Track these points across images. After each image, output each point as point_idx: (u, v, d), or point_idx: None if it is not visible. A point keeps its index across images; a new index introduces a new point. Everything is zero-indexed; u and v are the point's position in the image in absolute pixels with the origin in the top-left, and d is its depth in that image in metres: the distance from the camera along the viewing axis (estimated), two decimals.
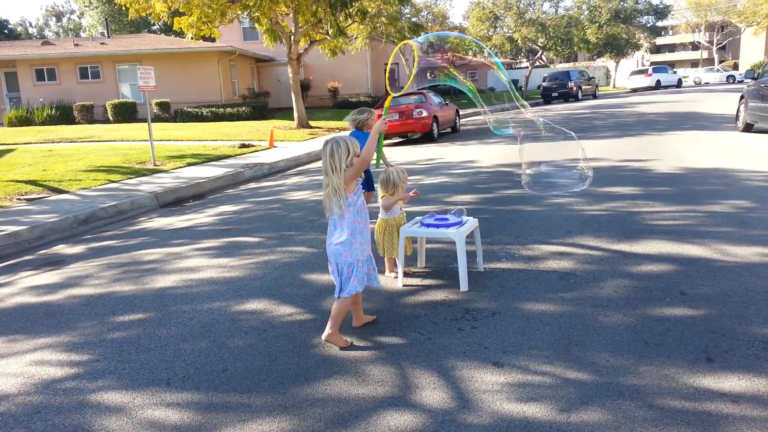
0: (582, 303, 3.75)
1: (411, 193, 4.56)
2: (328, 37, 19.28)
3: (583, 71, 35.70)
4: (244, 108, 23.94)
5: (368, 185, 5.74)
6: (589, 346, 3.15)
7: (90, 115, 24.85)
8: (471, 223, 4.40)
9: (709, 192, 6.70)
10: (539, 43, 37.65)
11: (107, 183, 9.88)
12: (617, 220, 5.74)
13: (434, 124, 15.64)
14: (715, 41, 61.88)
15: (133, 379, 3.15)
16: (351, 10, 18.30)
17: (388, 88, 4.07)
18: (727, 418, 2.45)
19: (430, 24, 36.10)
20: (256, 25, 19.89)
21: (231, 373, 3.13)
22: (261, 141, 16.08)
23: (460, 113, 19.31)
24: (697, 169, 8.24)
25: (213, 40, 19.58)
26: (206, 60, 26.47)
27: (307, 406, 2.77)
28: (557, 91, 31.17)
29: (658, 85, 38.14)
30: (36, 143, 16.88)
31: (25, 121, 23.95)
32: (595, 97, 33.28)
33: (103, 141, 17.07)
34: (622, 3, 40.76)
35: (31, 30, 68.31)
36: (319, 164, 12.61)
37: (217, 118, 23.59)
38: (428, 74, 4.32)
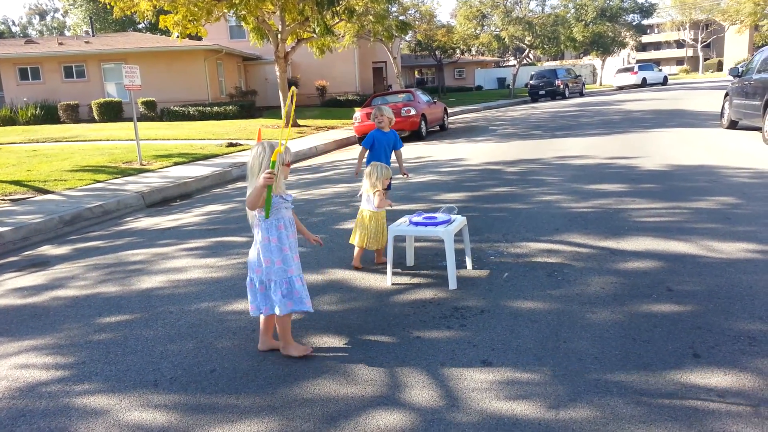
0: (570, 300, 3.76)
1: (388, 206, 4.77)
2: (315, 36, 19.22)
3: (570, 69, 35.92)
4: (231, 107, 23.81)
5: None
6: (577, 343, 3.16)
7: (75, 115, 24.60)
8: (459, 221, 4.41)
9: (694, 189, 6.76)
10: (526, 42, 37.78)
11: (93, 183, 9.78)
12: (604, 217, 5.77)
13: (422, 123, 15.65)
14: (699, 39, 62.49)
15: (120, 381, 3.12)
16: (338, 8, 18.26)
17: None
18: (713, 413, 2.47)
19: (417, 22, 36.14)
20: (243, 24, 19.76)
21: (219, 374, 3.11)
22: (248, 140, 16.00)
23: (449, 111, 19.34)
24: (682, 166, 8.31)
25: (199, 38, 19.44)
26: (192, 58, 26.30)
27: (296, 406, 2.75)
28: (544, 89, 31.35)
29: (644, 83, 38.44)
30: (20, 143, 16.68)
31: (8, 120, 23.66)
32: (581, 95, 33.50)
33: (89, 140, 16.89)
34: (608, 1, 41.02)
35: (14, 29, 67.45)
36: (308, 162, 12.59)
37: (204, 116, 23.44)
38: None
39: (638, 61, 54.02)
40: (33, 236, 6.88)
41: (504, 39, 36.88)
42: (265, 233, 3.14)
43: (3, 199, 8.51)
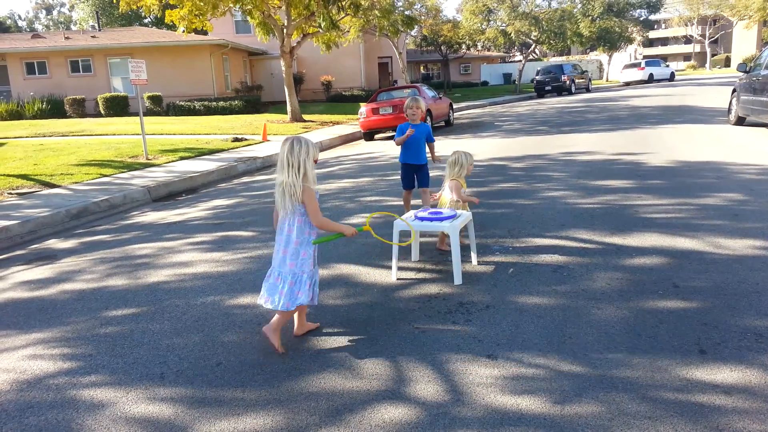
0: (575, 296, 3.76)
1: (476, 200, 5.05)
2: (320, 30, 19.18)
3: (576, 65, 35.74)
4: (236, 102, 23.83)
5: (424, 181, 5.77)
6: (583, 339, 3.16)
7: (81, 109, 24.67)
8: (465, 216, 4.41)
9: (701, 185, 6.73)
10: (532, 37, 37.60)
11: (99, 177, 9.81)
12: (610, 213, 5.75)
13: (428, 118, 15.62)
14: (707, 35, 62.04)
15: (127, 374, 3.14)
16: (343, 3, 18.22)
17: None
18: (719, 410, 2.46)
19: (423, 17, 36.04)
20: (249, 18, 19.74)
21: (225, 368, 3.13)
22: (254, 135, 16.01)
23: (454, 107, 19.30)
24: (689, 162, 8.27)
25: (205, 33, 19.50)
26: (198, 53, 26.32)
27: (301, 400, 2.76)
28: (550, 84, 31.18)
29: (650, 79, 38.23)
30: (27, 137, 16.74)
31: (15, 115, 23.74)
32: (588, 90, 33.34)
33: (95, 135, 16.94)
34: None
35: (20, 23, 67.67)
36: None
37: (209, 111, 23.46)
38: None
39: (645, 57, 53.72)
40: (40, 230, 6.91)
41: (510, 34, 36.72)
42: (308, 227, 3.23)
43: (10, 193, 8.55)
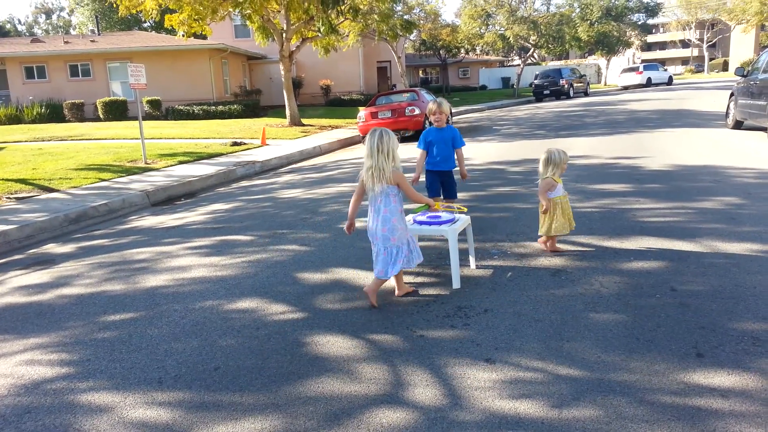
0: (573, 299, 3.76)
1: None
2: (319, 35, 19.24)
3: (575, 69, 35.82)
4: (235, 106, 23.86)
5: (451, 191, 5.40)
6: (581, 343, 3.16)
7: (80, 113, 24.69)
8: (463, 220, 4.41)
9: (699, 189, 6.74)
10: (531, 41, 37.72)
11: (98, 181, 9.82)
12: (608, 216, 5.76)
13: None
14: (705, 39, 62.22)
15: (125, 379, 3.13)
16: (343, 7, 18.27)
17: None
18: (716, 413, 2.47)
19: (422, 21, 36.11)
20: (248, 23, 19.81)
21: (223, 372, 3.13)
22: (253, 139, 16.03)
23: (453, 111, 19.32)
24: (687, 166, 8.28)
25: (204, 37, 19.54)
26: (197, 57, 26.37)
27: (300, 404, 2.76)
28: (549, 88, 31.28)
29: (648, 83, 38.33)
30: (26, 141, 16.75)
31: (14, 119, 23.76)
32: (586, 94, 33.41)
33: (94, 139, 16.96)
34: (613, 1, 40.92)
35: (20, 27, 67.74)
36: (312, 162, 12.61)
37: (208, 115, 23.50)
38: None
39: (643, 61, 53.85)
40: (38, 234, 6.91)
41: (509, 38, 36.84)
42: (401, 205, 3.89)
43: (8, 198, 8.55)
